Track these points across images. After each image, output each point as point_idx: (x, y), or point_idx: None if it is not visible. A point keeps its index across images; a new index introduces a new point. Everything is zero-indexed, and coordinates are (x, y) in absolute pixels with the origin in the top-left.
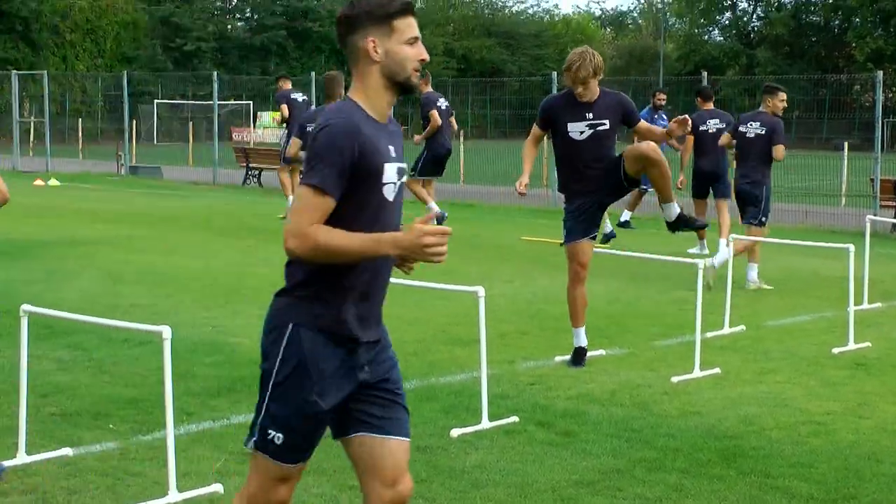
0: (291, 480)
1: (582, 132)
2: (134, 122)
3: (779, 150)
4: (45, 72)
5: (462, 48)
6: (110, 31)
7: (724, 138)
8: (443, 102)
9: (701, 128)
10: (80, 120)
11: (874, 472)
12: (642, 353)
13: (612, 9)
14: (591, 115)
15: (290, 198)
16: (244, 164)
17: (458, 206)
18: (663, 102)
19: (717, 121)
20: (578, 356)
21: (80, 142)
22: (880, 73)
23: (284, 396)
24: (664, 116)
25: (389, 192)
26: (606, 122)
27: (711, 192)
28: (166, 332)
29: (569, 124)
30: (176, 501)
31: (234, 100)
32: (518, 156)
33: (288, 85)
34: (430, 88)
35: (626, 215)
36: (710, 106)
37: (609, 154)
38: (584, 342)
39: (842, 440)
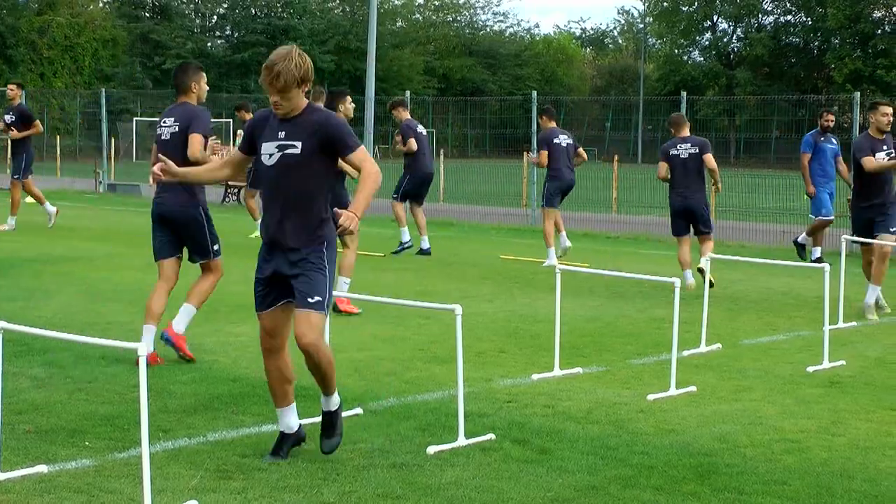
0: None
1: (271, 155)
2: (112, 139)
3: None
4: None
5: (443, 67)
6: (89, 48)
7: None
8: (421, 129)
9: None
10: (58, 137)
11: (846, 488)
12: (619, 372)
13: (592, 29)
14: (282, 135)
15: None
16: (223, 183)
17: (438, 224)
18: (831, 124)
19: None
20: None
21: (58, 159)
22: (858, 95)
23: None
24: (833, 140)
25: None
26: (297, 145)
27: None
28: (142, 348)
29: (263, 144)
30: None
31: (214, 118)
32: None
33: (248, 116)
34: (408, 116)
35: (816, 252)
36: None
37: (312, 194)
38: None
39: (815, 458)
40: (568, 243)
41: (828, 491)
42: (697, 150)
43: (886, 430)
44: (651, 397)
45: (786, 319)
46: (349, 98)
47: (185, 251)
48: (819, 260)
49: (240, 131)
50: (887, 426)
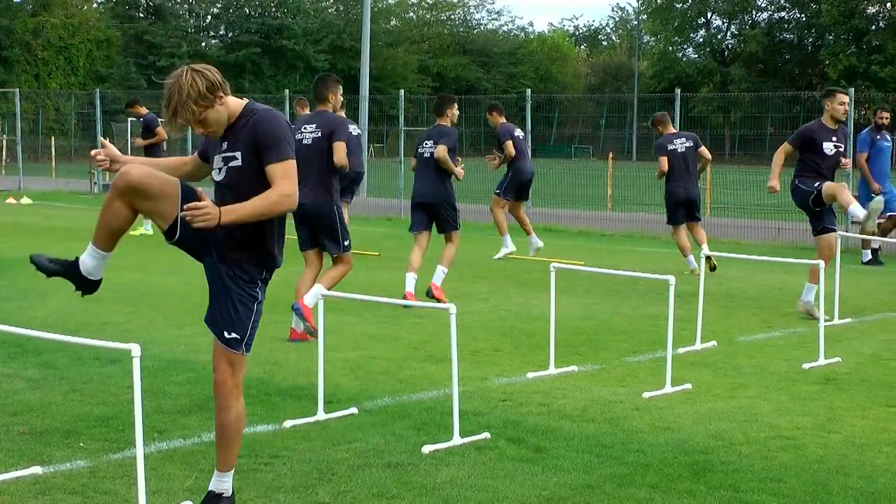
0: None
1: (220, 170)
2: (107, 140)
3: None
4: (17, 90)
5: (437, 66)
6: (83, 49)
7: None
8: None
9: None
10: (53, 138)
11: (842, 485)
12: (614, 370)
13: (585, 26)
14: (225, 146)
15: None
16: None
17: None
18: (886, 121)
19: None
20: None
21: (52, 160)
22: (852, 91)
23: None
24: (888, 137)
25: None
26: (238, 155)
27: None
28: (136, 349)
29: (213, 157)
30: None
31: None
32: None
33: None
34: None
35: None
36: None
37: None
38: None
39: (811, 455)
40: (539, 243)
41: (824, 488)
42: (692, 144)
43: (882, 427)
44: (646, 395)
45: (781, 316)
46: (456, 104)
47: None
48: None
49: None
50: (883, 423)
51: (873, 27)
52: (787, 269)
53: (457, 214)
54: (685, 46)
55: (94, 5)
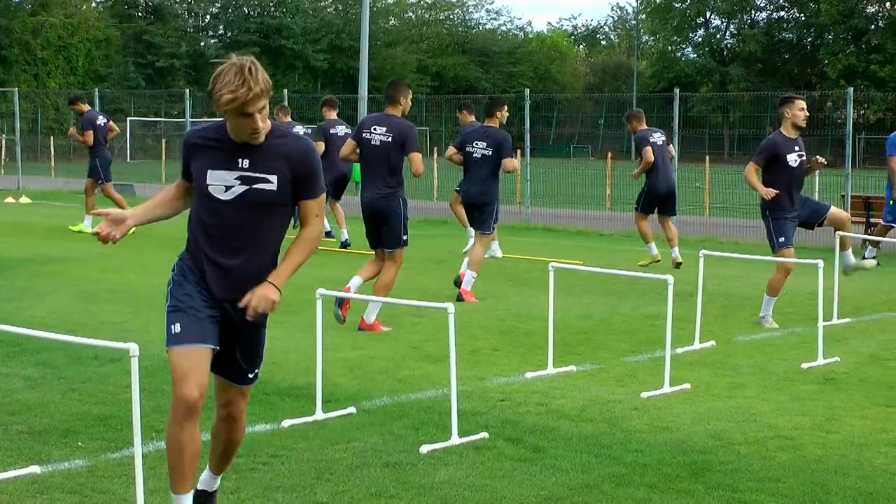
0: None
1: (230, 188)
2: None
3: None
4: (16, 89)
5: (436, 66)
6: (82, 49)
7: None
8: (658, 136)
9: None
10: (52, 137)
11: (840, 485)
12: (613, 369)
13: (583, 26)
14: (245, 163)
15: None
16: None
17: (432, 223)
18: None
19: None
20: None
21: (51, 159)
22: (851, 90)
23: None
24: None
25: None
26: (273, 179)
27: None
28: (134, 349)
29: (209, 173)
30: None
31: (208, 117)
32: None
33: (332, 114)
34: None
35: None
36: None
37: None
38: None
39: (809, 454)
40: (499, 253)
41: (822, 488)
42: (665, 139)
43: (881, 427)
44: (645, 395)
45: (780, 316)
46: (506, 106)
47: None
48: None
49: None
50: (882, 423)
51: (872, 27)
52: None
53: (494, 219)
54: (684, 46)
55: (94, 5)
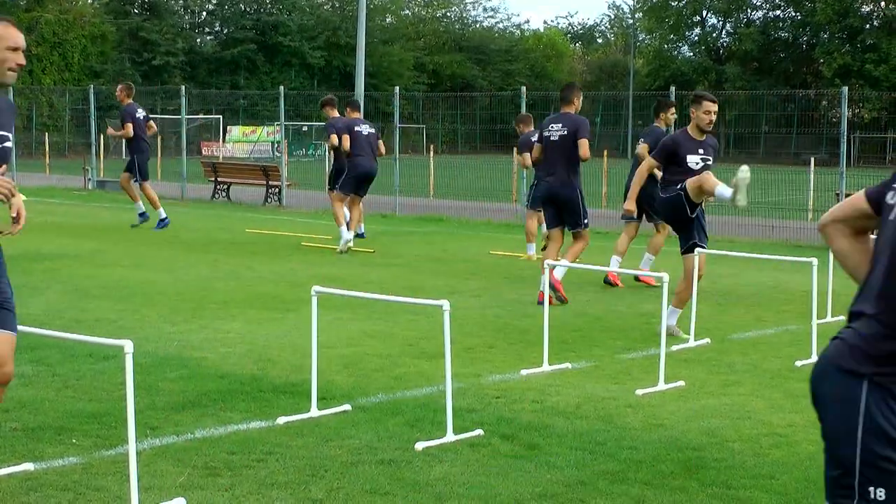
0: None
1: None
2: (101, 136)
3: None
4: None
5: (433, 63)
6: (77, 45)
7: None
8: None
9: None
10: (47, 134)
11: None
12: (608, 367)
13: (580, 24)
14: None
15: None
16: (212, 179)
17: (427, 219)
18: None
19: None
20: None
21: (46, 156)
22: (846, 89)
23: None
24: None
25: None
26: None
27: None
28: (128, 346)
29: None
30: None
31: (204, 114)
32: (488, 172)
33: (334, 113)
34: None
35: None
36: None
37: None
38: None
39: (802, 451)
40: (349, 236)
41: (815, 485)
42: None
43: None
44: (639, 392)
45: (774, 314)
46: (673, 109)
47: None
48: None
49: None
50: None
51: (867, 26)
52: (779, 266)
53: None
54: (680, 44)
55: (89, 1)
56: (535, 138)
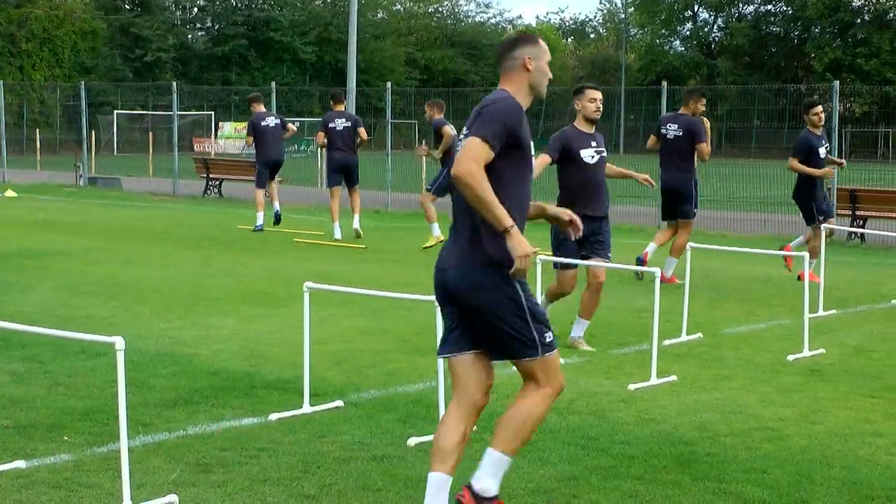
0: None
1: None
2: (93, 132)
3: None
4: (1, 82)
5: (424, 58)
6: (68, 41)
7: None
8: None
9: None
10: (38, 130)
11: (825, 476)
12: (600, 362)
13: (571, 19)
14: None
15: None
16: (204, 175)
17: (420, 215)
18: None
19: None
20: None
21: (37, 153)
22: (837, 83)
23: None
24: None
25: None
26: None
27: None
28: (119, 342)
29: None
30: None
31: (196, 110)
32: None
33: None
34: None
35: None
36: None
37: None
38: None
39: (794, 445)
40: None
41: (807, 478)
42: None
43: (865, 418)
44: (632, 387)
45: (766, 308)
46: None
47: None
48: None
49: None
50: (866, 413)
51: (858, 20)
52: (771, 261)
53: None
54: (672, 39)
55: None
56: (450, 127)
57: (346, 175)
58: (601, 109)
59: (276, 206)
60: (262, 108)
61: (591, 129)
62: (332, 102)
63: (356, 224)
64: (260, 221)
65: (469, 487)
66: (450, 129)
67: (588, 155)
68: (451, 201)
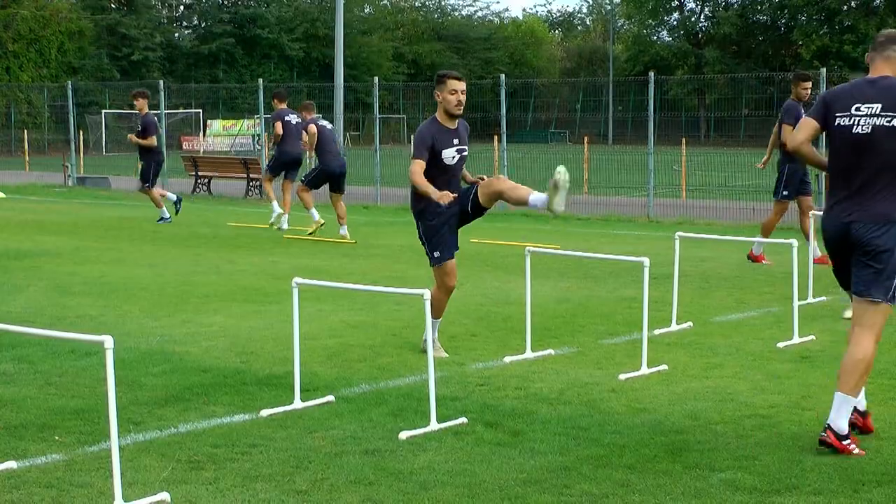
0: None
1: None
2: (81, 132)
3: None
4: None
5: (412, 53)
6: (55, 41)
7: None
8: (326, 122)
9: None
10: (26, 131)
11: (816, 462)
12: (591, 352)
13: (559, 11)
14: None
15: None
16: (193, 173)
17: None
18: None
19: None
20: None
21: (26, 153)
22: (824, 71)
23: None
24: None
25: None
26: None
27: None
28: (108, 341)
29: None
30: None
31: (184, 108)
32: (469, 161)
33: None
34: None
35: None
36: None
37: None
38: None
39: (785, 432)
40: (278, 215)
41: (798, 465)
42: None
43: None
44: (623, 377)
45: (756, 296)
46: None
47: None
48: None
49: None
50: None
51: (845, 7)
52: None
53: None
54: (659, 29)
55: None
56: (322, 124)
57: (331, 181)
58: (463, 103)
59: (276, 205)
60: (284, 105)
61: (453, 125)
62: (276, 101)
63: (343, 231)
64: (315, 214)
65: (829, 427)
66: (313, 128)
67: (450, 155)
68: (837, 168)
